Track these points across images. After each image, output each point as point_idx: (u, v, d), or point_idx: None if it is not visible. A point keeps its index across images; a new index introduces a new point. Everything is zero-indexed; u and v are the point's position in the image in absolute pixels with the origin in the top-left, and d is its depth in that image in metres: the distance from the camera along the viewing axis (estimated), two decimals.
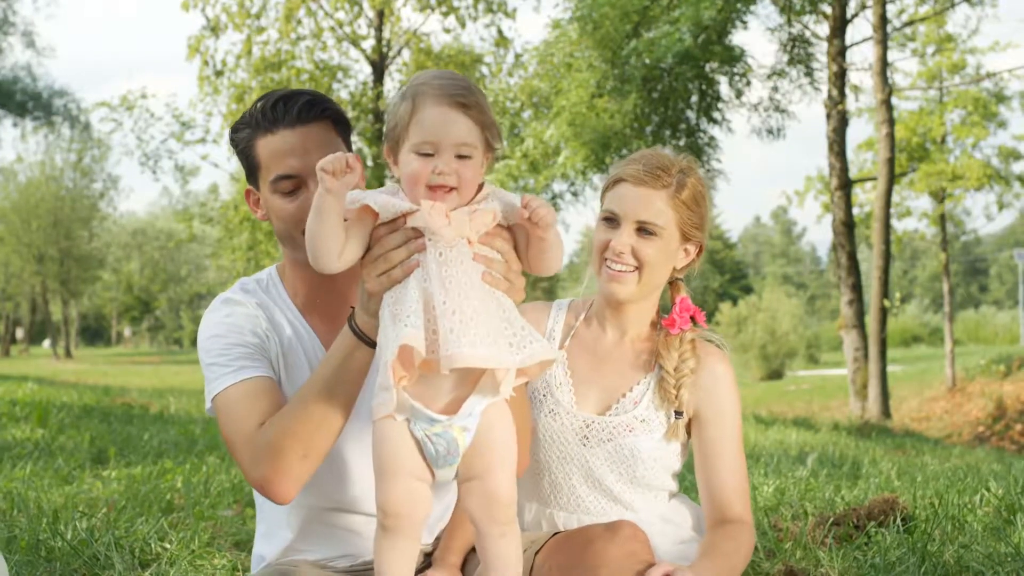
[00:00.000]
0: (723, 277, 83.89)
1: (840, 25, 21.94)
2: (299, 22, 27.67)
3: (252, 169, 3.02)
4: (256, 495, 3.24)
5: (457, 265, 2.48)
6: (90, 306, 79.67)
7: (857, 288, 21.88)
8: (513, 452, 2.60)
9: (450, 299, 2.43)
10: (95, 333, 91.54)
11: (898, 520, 4.67)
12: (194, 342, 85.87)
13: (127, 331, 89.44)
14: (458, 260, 2.48)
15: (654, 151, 3.10)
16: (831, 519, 4.83)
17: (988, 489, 5.62)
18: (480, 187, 2.58)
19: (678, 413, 3.05)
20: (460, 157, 2.48)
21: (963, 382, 30.10)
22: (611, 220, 3.04)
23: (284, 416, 2.78)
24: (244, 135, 3.00)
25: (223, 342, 2.95)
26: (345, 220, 2.54)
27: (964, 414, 27.00)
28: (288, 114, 2.92)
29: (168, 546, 4.54)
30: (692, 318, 3.14)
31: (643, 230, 3.00)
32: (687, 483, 5.02)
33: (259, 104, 2.97)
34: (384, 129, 2.69)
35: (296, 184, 2.93)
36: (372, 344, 2.65)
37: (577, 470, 3.07)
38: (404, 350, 2.40)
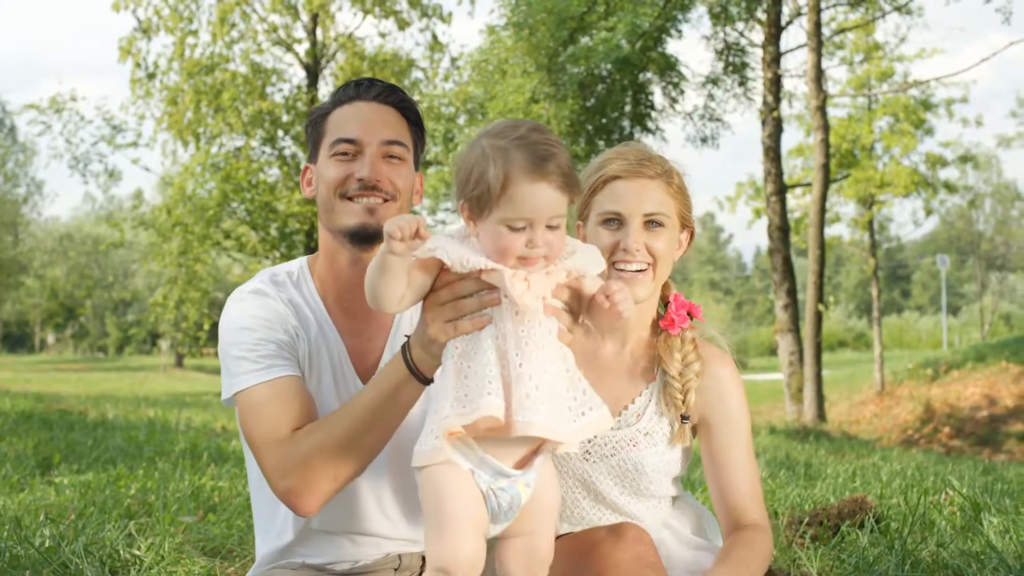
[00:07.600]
0: None
1: (775, 32, 22.18)
2: (233, 25, 27.42)
3: (316, 141, 3.08)
4: (253, 493, 3.18)
5: (534, 326, 2.38)
6: (12, 312, 78.01)
7: (792, 292, 22.08)
8: (558, 510, 2.57)
9: (527, 363, 2.33)
10: (17, 340, 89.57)
11: (871, 519, 4.72)
12: (119, 349, 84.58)
13: (50, 338, 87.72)
14: (534, 320, 2.38)
15: (625, 146, 3.01)
16: (803, 519, 4.87)
17: (952, 489, 5.70)
18: None
19: (684, 418, 2.93)
20: (550, 227, 2.37)
21: (891, 386, 30.62)
22: (613, 221, 2.90)
23: (321, 433, 2.71)
24: (323, 109, 3.09)
25: (253, 336, 2.89)
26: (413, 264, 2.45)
27: (893, 417, 27.47)
28: (370, 92, 3.04)
29: (137, 552, 4.45)
30: (688, 314, 3.03)
31: (651, 222, 2.89)
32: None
33: (345, 83, 3.10)
34: (458, 183, 2.47)
35: (352, 150, 2.99)
36: (425, 380, 2.56)
37: (579, 484, 2.95)
38: (484, 419, 2.29)
